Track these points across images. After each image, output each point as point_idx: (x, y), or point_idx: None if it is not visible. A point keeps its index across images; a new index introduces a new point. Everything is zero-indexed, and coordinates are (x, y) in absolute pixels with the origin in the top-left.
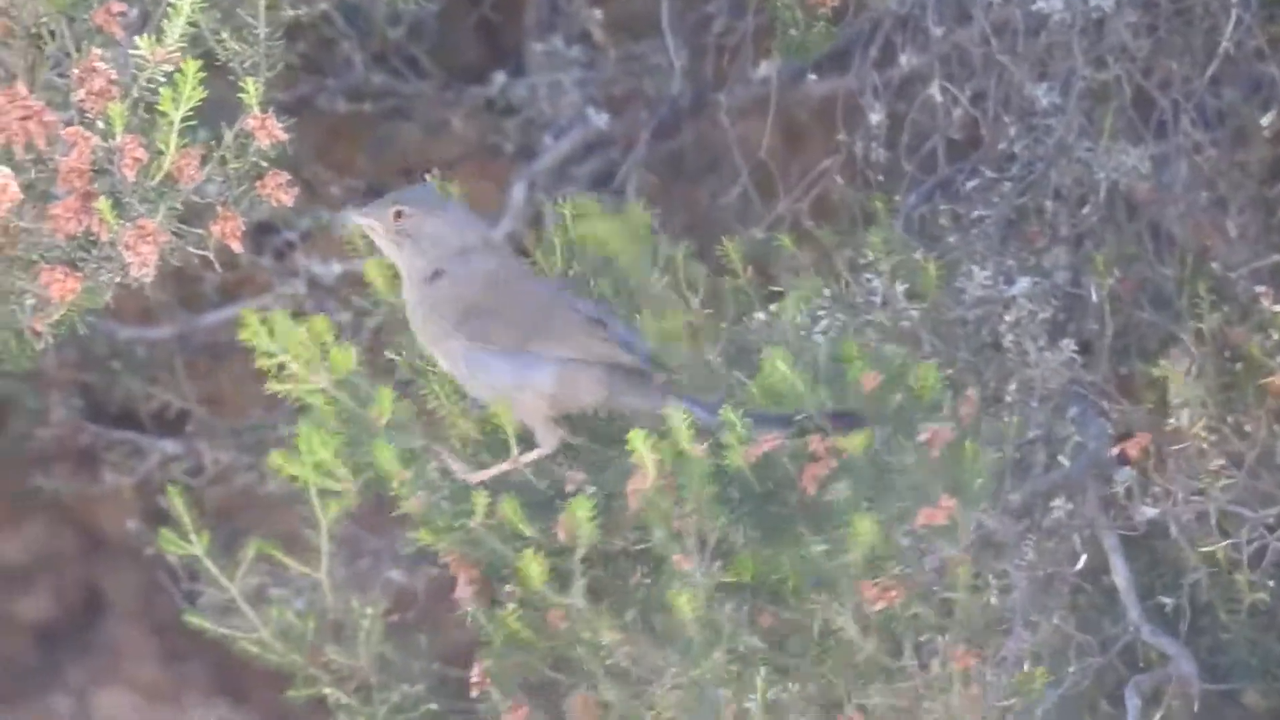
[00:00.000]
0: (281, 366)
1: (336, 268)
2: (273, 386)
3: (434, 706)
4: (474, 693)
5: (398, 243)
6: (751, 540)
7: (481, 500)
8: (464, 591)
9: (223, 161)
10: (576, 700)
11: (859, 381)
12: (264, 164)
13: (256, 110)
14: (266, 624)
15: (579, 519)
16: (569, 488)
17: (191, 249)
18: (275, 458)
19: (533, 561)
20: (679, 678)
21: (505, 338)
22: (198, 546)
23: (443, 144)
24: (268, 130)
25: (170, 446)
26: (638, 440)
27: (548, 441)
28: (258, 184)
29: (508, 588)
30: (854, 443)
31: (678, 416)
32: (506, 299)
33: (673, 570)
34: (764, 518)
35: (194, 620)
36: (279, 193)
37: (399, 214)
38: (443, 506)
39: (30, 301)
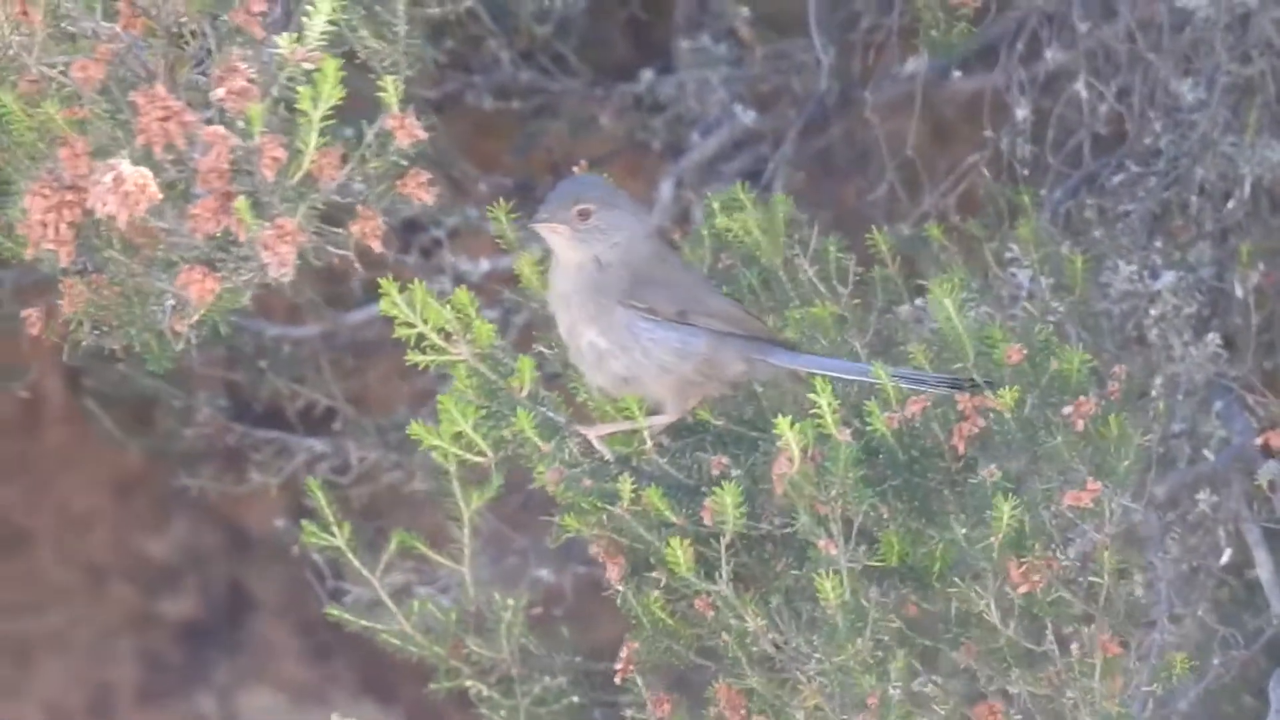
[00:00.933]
0: (421, 338)
1: (484, 264)
2: (412, 357)
3: (576, 699)
4: (618, 679)
5: (583, 239)
6: (898, 515)
7: (627, 486)
8: (614, 573)
9: (362, 161)
10: (720, 689)
11: (1005, 359)
12: (404, 163)
13: (396, 109)
14: (409, 617)
15: (726, 505)
16: (714, 472)
17: (332, 249)
18: (415, 428)
19: (680, 548)
20: (823, 664)
21: (668, 308)
22: (339, 539)
23: (590, 141)
24: (407, 129)
25: (316, 445)
26: (784, 425)
27: (677, 410)
28: (398, 183)
29: (654, 574)
30: (1003, 400)
31: (824, 400)
32: (670, 275)
33: (818, 555)
34: (910, 491)
35: (336, 614)
36: (419, 191)
37: (584, 213)
38: (584, 487)
39: (170, 302)
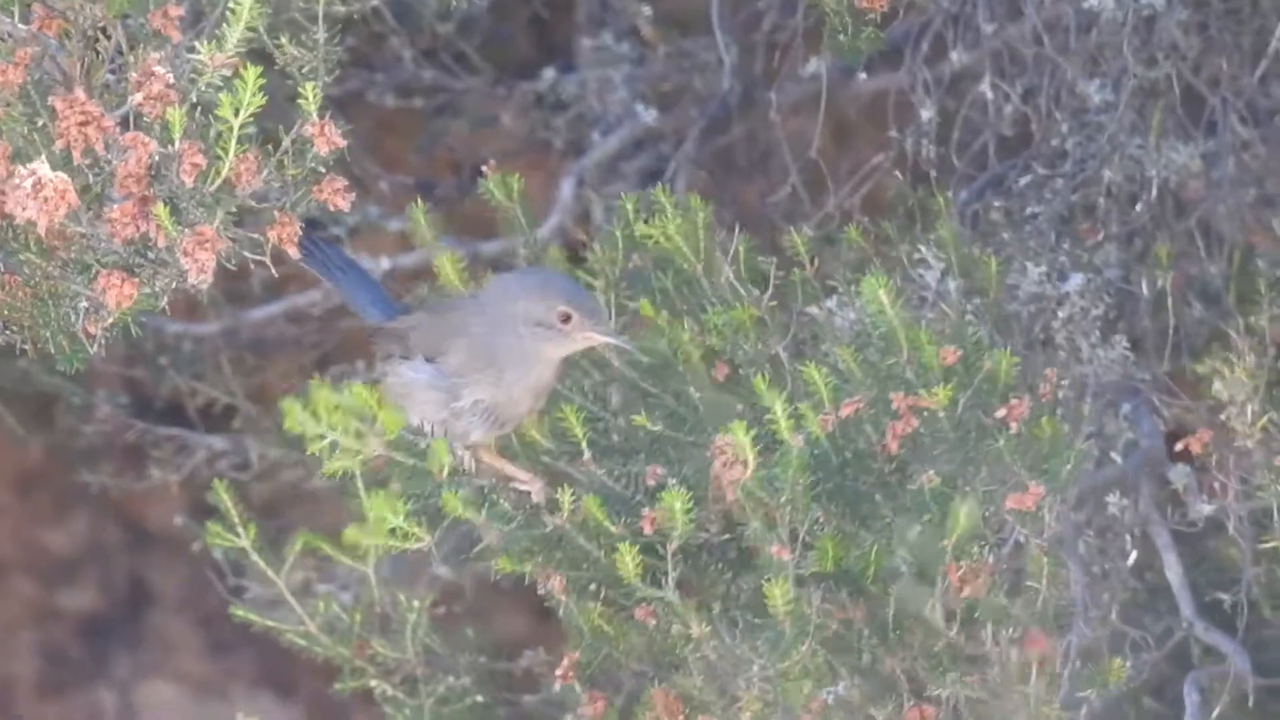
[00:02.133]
0: (334, 444)
1: (385, 263)
2: (330, 468)
3: (480, 698)
4: (557, 685)
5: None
6: (833, 519)
7: (566, 498)
8: (556, 585)
9: (280, 166)
10: (657, 694)
11: (936, 361)
12: (321, 170)
13: (315, 116)
14: (313, 617)
15: (674, 511)
16: (650, 482)
17: (248, 254)
18: (348, 534)
19: (628, 554)
20: (765, 670)
21: None
22: (244, 540)
23: (492, 139)
24: (327, 137)
25: (217, 442)
26: (738, 431)
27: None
28: (314, 189)
29: (592, 586)
30: (937, 399)
31: (778, 406)
32: None
33: (765, 561)
34: (843, 494)
35: (241, 614)
36: (336, 198)
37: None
38: (518, 536)
39: (84, 305)
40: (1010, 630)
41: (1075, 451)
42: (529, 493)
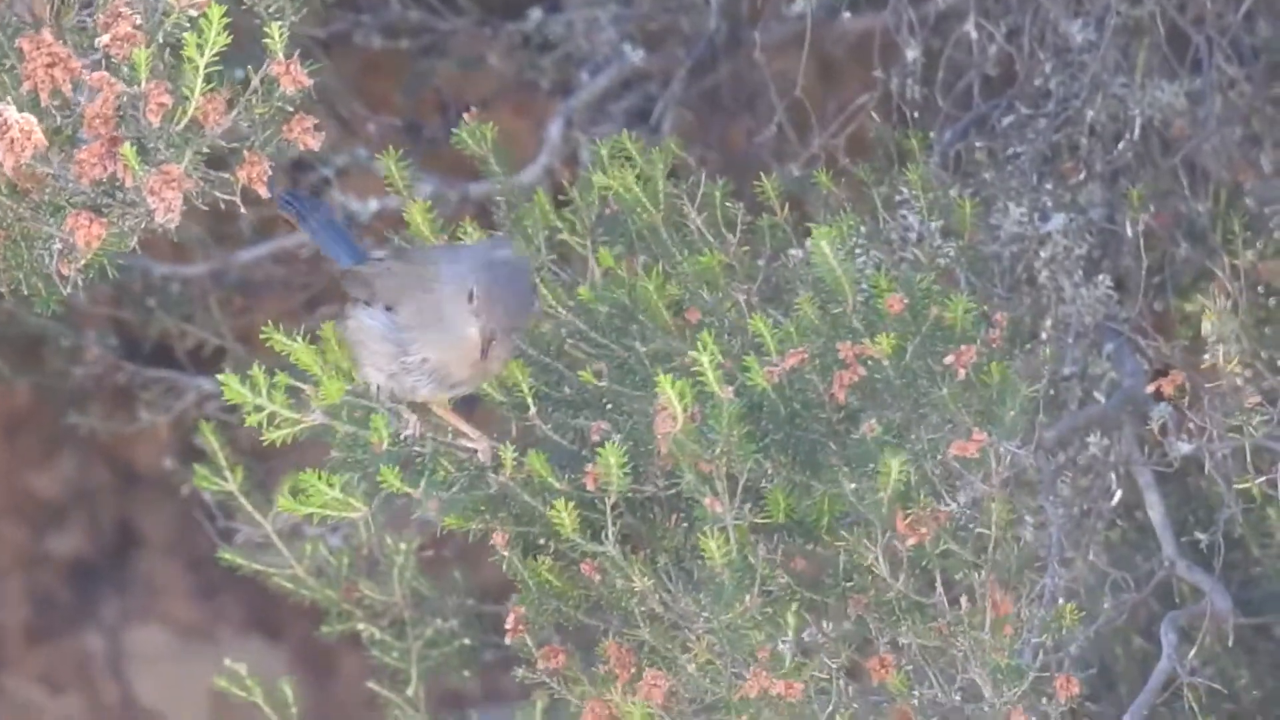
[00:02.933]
0: (272, 416)
1: (373, 204)
2: (270, 436)
3: (467, 641)
4: (508, 639)
5: None
6: (782, 469)
7: (509, 455)
8: (499, 540)
9: (248, 106)
10: (610, 646)
11: (886, 308)
12: (289, 108)
13: (281, 56)
14: (300, 560)
15: (610, 466)
16: (594, 437)
17: (219, 193)
18: (282, 502)
19: (565, 510)
20: (710, 622)
21: None
22: (232, 483)
23: (479, 80)
24: (292, 76)
25: (206, 384)
26: (665, 384)
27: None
28: (284, 128)
29: (539, 540)
30: (882, 347)
31: (705, 358)
32: None
33: (704, 514)
34: (793, 445)
35: (228, 557)
36: (305, 137)
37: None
38: (460, 499)
39: (57, 246)
40: (971, 577)
41: (1023, 397)
42: (474, 451)
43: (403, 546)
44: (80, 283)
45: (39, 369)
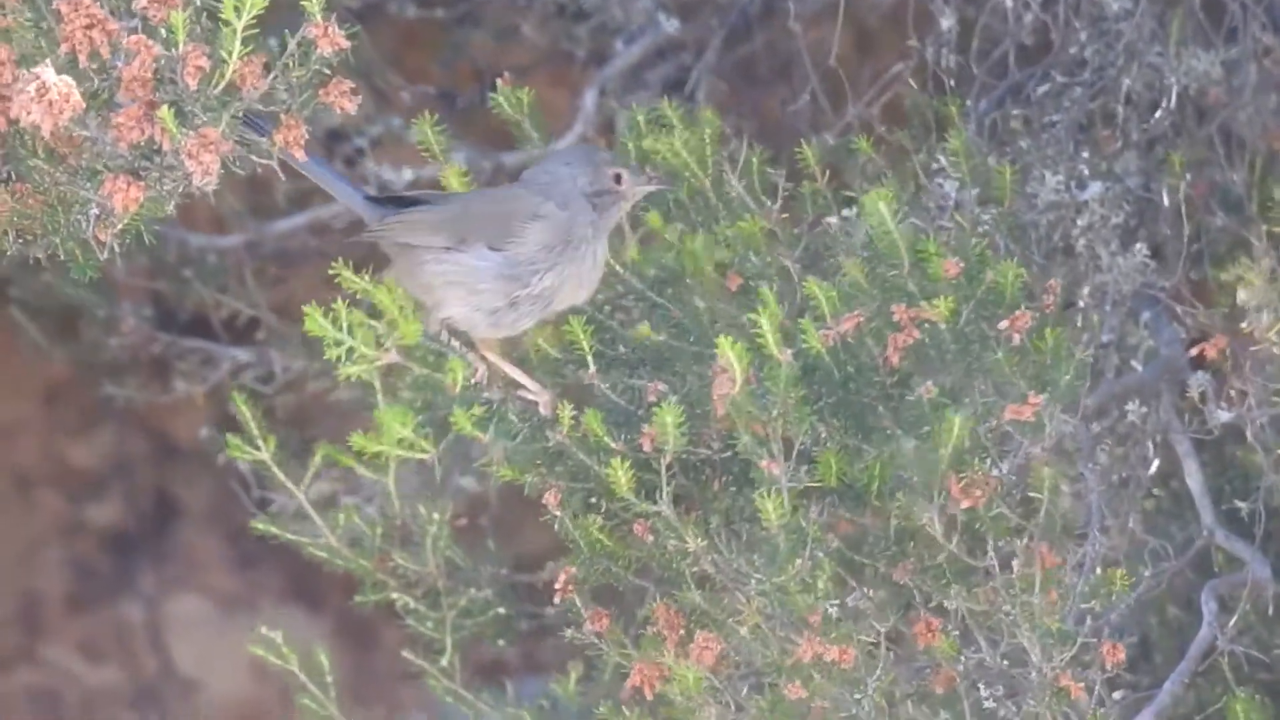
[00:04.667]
0: (350, 350)
1: (408, 173)
2: (345, 371)
3: (502, 610)
4: (557, 599)
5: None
6: (835, 433)
7: (566, 413)
8: (551, 500)
9: (286, 69)
10: (659, 608)
11: (941, 273)
12: (327, 72)
13: (319, 18)
14: (334, 530)
15: (666, 425)
16: (650, 398)
17: (256, 158)
18: (357, 440)
19: (620, 470)
20: (763, 584)
21: None
22: (265, 452)
23: (514, 50)
24: (330, 38)
25: (241, 354)
26: (725, 345)
27: None
28: (321, 91)
29: (592, 499)
30: (938, 310)
31: (765, 320)
32: None
33: (759, 476)
34: (846, 408)
35: (262, 527)
36: (342, 100)
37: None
38: (522, 450)
39: (94, 211)
40: (1019, 542)
41: (1077, 362)
42: (536, 403)
43: (435, 517)
44: (117, 250)
45: (76, 340)
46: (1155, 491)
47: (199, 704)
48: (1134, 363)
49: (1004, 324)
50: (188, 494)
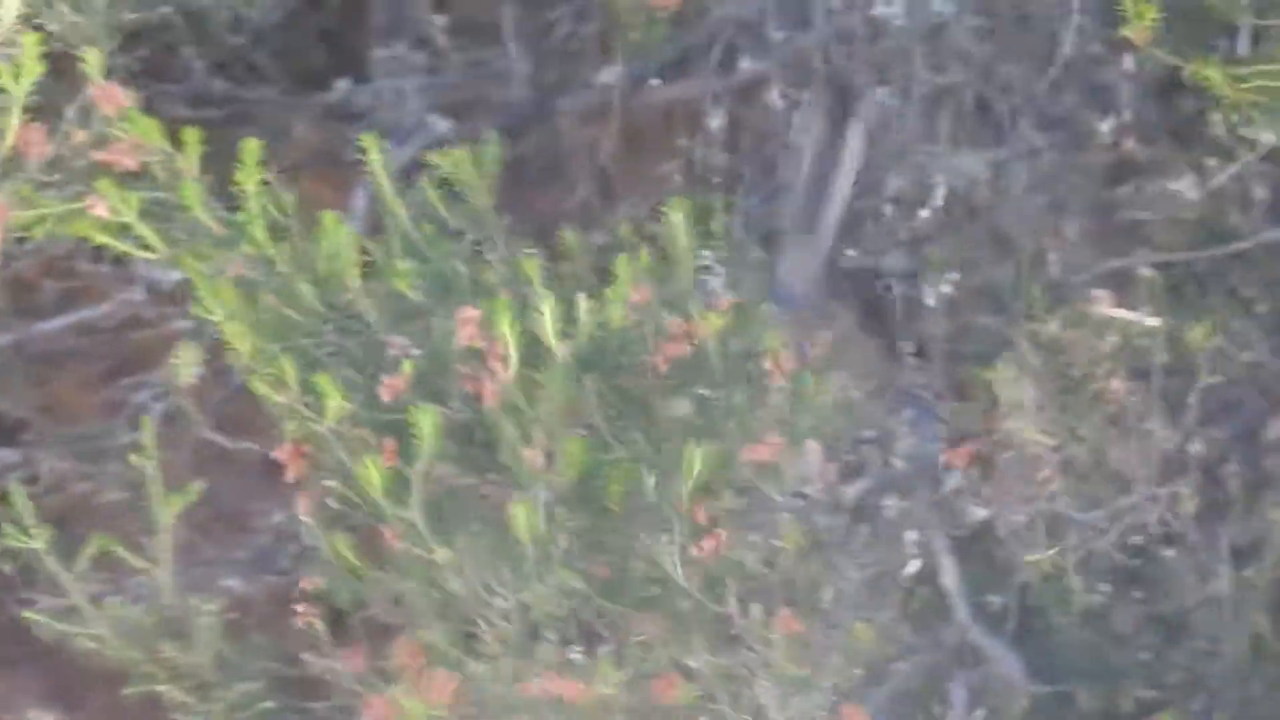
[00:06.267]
0: None
1: (175, 274)
2: None
3: (271, 704)
4: (300, 623)
5: None
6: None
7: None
8: (303, 505)
9: (67, 136)
10: (400, 641)
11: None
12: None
13: (99, 80)
14: (104, 619)
15: (425, 431)
16: (392, 352)
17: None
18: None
19: (374, 467)
20: (507, 602)
21: None
22: (39, 540)
23: (285, 150)
24: (111, 97)
25: (7, 455)
26: (502, 320)
27: None
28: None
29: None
30: (711, 326)
31: (547, 307)
32: None
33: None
34: (611, 399)
35: (34, 617)
36: (124, 158)
37: None
38: None
39: None
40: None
41: (821, 407)
42: None
43: (208, 607)
44: None
45: None
46: (913, 587)
47: None
48: (894, 460)
49: (768, 363)
50: None
